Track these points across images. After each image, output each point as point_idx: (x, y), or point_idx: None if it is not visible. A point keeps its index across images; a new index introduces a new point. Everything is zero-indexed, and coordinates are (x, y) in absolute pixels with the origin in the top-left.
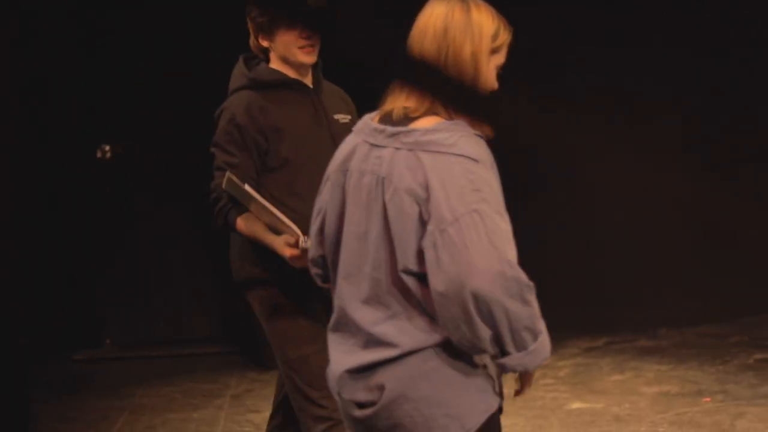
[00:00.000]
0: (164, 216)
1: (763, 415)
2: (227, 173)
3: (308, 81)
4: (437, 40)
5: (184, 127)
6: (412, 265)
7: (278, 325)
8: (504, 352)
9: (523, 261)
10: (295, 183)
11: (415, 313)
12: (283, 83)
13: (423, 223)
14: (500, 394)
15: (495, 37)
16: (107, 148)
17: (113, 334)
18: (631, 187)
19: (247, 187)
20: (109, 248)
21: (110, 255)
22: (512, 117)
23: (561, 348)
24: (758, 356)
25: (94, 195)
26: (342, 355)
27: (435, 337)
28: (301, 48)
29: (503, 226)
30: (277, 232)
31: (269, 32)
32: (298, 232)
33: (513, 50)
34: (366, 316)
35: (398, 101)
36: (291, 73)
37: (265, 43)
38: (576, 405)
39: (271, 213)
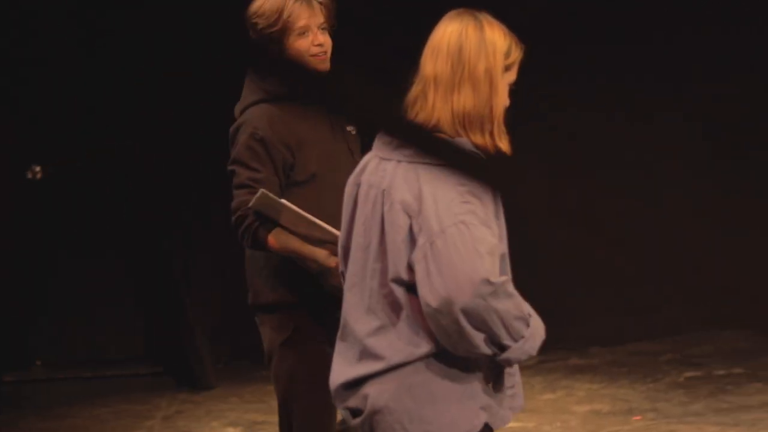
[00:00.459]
0: (93, 236)
1: None
2: (261, 189)
3: None
4: (451, 58)
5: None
6: (403, 275)
7: (290, 361)
8: (503, 347)
9: None
10: (321, 197)
11: (404, 325)
12: (299, 95)
13: (413, 236)
14: (514, 406)
15: (508, 54)
16: (38, 168)
17: (43, 355)
18: (566, 199)
19: (283, 200)
20: (37, 268)
21: (39, 275)
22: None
23: None
24: (689, 374)
25: (21, 215)
26: (341, 367)
27: (422, 350)
28: (313, 56)
29: (489, 238)
30: (314, 244)
31: (280, 43)
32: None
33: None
34: (362, 327)
35: (409, 117)
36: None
37: (274, 54)
38: (508, 424)
39: (310, 222)
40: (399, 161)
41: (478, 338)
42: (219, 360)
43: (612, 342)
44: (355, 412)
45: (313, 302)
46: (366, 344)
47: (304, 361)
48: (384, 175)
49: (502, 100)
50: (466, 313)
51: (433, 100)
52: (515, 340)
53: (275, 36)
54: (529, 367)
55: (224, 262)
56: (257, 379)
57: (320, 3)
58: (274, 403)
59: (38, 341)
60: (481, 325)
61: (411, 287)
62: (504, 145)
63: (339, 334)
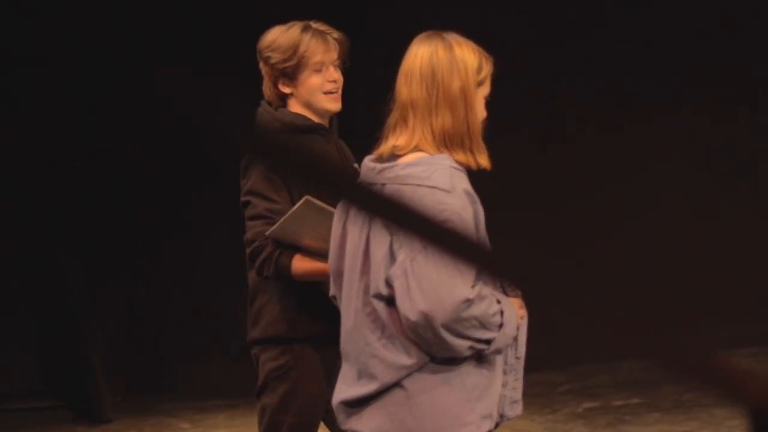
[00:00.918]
0: None
1: None
2: (305, 196)
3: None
4: (425, 81)
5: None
6: (383, 290)
7: (281, 392)
8: (488, 342)
9: None
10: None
11: (389, 342)
12: (312, 128)
13: (392, 252)
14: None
15: (479, 69)
16: None
17: None
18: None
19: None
20: None
21: None
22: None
23: None
24: (588, 405)
25: None
26: (342, 386)
27: (411, 362)
28: (327, 93)
29: None
30: None
31: (293, 78)
32: None
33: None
34: (353, 348)
35: (390, 141)
36: (314, 119)
37: (286, 90)
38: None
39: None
40: (383, 184)
41: (462, 346)
42: (117, 393)
43: None
44: None
45: (314, 337)
46: (359, 364)
47: (296, 394)
48: None
49: (479, 115)
50: (447, 328)
51: (412, 124)
52: (498, 330)
53: (289, 71)
54: None
55: (128, 291)
56: (156, 412)
57: (335, 39)
58: None
59: None
60: (462, 334)
61: (391, 301)
62: (483, 160)
63: (342, 353)
